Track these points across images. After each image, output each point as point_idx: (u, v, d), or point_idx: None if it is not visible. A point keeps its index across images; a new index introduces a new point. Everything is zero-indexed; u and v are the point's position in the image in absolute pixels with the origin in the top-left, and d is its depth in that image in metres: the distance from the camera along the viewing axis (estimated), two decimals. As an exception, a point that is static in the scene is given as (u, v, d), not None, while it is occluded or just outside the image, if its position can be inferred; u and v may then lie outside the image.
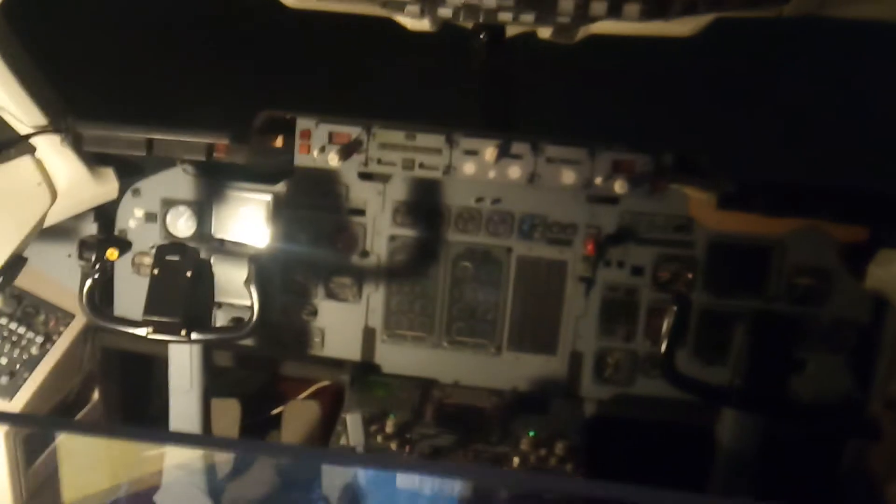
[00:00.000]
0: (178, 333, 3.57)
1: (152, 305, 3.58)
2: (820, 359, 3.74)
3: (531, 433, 3.67)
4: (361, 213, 4.08)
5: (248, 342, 4.00)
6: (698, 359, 3.86)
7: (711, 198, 3.52)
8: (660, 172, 3.54)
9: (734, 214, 3.61)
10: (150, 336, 3.57)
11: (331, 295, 4.16)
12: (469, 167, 3.64)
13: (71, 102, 3.64)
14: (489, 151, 3.57)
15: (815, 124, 4.85)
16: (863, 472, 3.84)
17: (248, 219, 4.09)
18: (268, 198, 4.05)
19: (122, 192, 4.06)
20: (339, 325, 4.18)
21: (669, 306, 3.35)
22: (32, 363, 4.06)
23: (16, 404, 3.99)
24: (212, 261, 3.85)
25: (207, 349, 3.83)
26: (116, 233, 4.18)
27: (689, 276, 3.89)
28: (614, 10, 2.75)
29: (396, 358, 4.17)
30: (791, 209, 3.51)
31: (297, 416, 5.06)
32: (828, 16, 2.56)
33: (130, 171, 4.11)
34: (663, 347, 3.33)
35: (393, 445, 3.61)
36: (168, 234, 4.15)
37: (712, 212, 3.65)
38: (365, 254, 4.10)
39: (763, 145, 4.67)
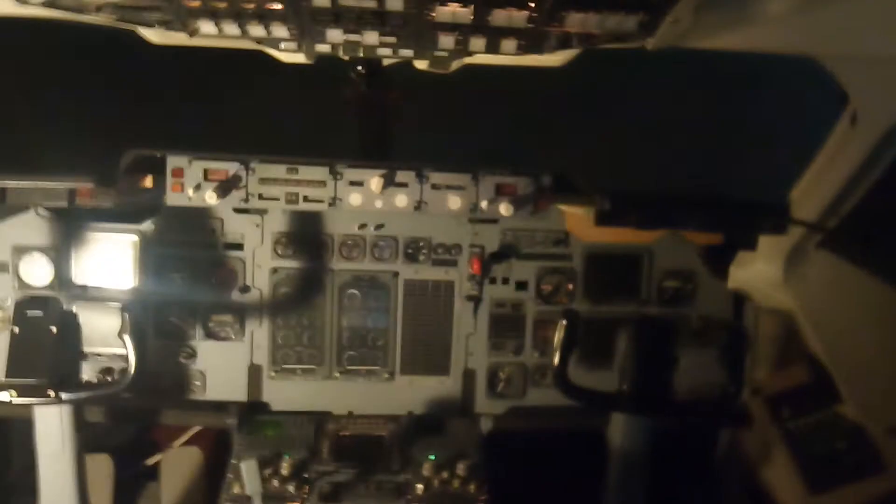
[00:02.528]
0: (46, 395, 3.35)
1: (15, 367, 3.36)
2: (692, 355, 4.01)
3: (432, 457, 3.70)
4: (239, 247, 3.95)
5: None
6: (583, 365, 4.02)
7: (589, 214, 3.70)
8: (541, 193, 3.69)
9: (606, 227, 3.81)
10: (14, 401, 3.32)
11: (210, 335, 4.00)
12: (355, 198, 3.63)
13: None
14: (375, 182, 3.57)
15: (676, 141, 5.20)
16: (739, 458, 4.18)
17: (113, 261, 3.87)
18: (134, 237, 3.86)
19: None
20: (222, 365, 4.02)
21: (558, 319, 3.48)
22: None
23: None
24: (76, 310, 3.61)
25: (78, 407, 3.58)
26: None
27: (570, 286, 4.06)
28: (492, 46, 2.84)
29: (286, 394, 4.06)
30: (659, 222, 3.76)
31: (177, 465, 4.82)
32: (688, 47, 2.76)
33: (-25, 218, 3.78)
34: (556, 360, 3.46)
35: (291, 488, 3.52)
36: (22, 283, 3.82)
37: (587, 226, 3.85)
38: (245, 289, 3.97)
39: (630, 162, 4.94)
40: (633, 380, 3.51)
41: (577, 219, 3.96)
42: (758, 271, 3.96)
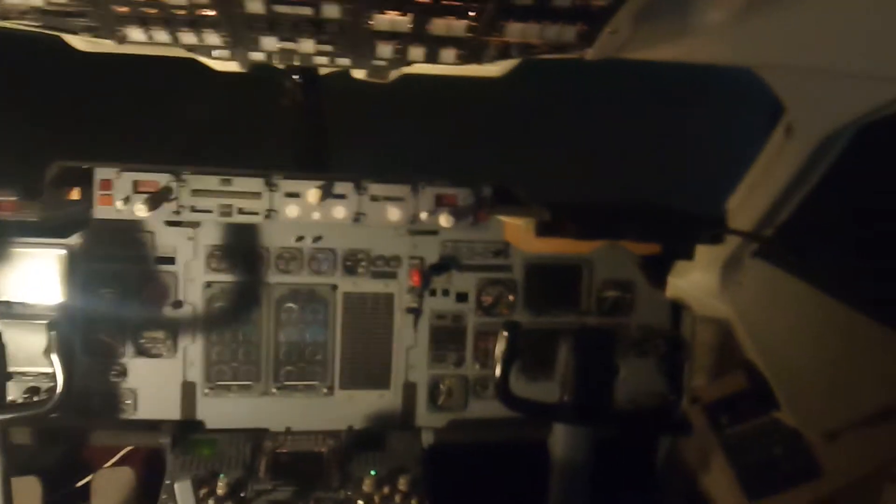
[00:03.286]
0: None
1: None
2: (632, 364, 4.04)
3: (372, 472, 3.65)
4: (171, 260, 3.83)
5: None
6: (524, 376, 4.02)
7: (529, 225, 3.69)
8: (481, 204, 3.67)
9: (546, 238, 3.81)
10: None
11: (142, 352, 3.86)
12: (292, 210, 3.55)
13: None
14: (312, 193, 3.50)
15: (615, 152, 5.25)
16: (678, 466, 4.22)
17: (40, 277, 3.71)
18: (61, 252, 3.70)
19: None
20: (154, 383, 3.88)
21: (499, 331, 3.46)
22: None
23: None
24: (0, 328, 3.44)
25: (3, 428, 3.40)
26: None
27: (511, 298, 4.05)
28: (432, 56, 2.81)
29: (221, 411, 3.94)
30: (598, 233, 3.77)
31: (108, 486, 4.63)
32: (626, 58, 2.78)
33: None
34: (497, 372, 3.43)
35: None
36: None
37: (527, 236, 3.83)
38: (178, 304, 3.85)
39: (569, 173, 4.97)
40: (574, 390, 3.49)
41: (517, 230, 3.95)
42: (695, 280, 4.00)
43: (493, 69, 3.22)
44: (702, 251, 3.94)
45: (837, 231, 4.23)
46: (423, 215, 3.62)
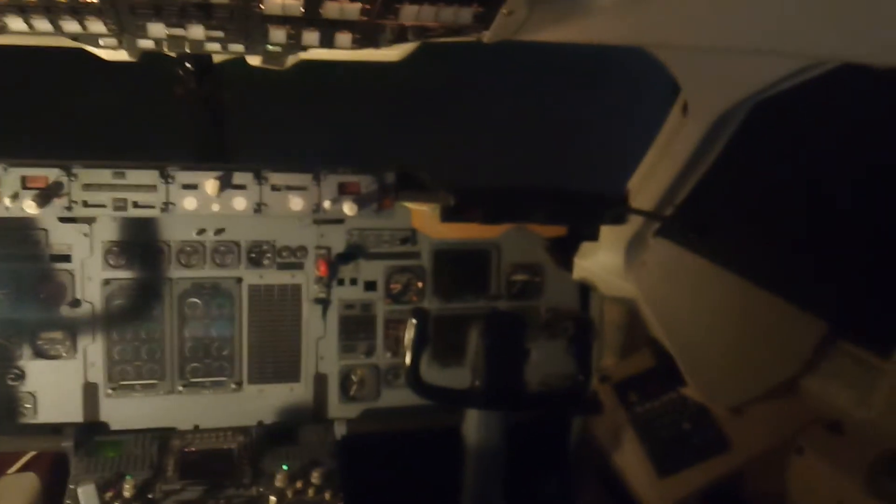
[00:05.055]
0: None
1: None
2: (542, 347, 4.07)
3: (284, 467, 3.59)
4: (66, 258, 3.69)
5: None
6: (437, 363, 4.03)
7: (434, 210, 3.68)
8: (384, 191, 3.63)
9: (453, 223, 3.80)
10: None
11: (39, 353, 3.71)
12: (190, 202, 3.44)
13: None
14: (210, 184, 3.41)
15: (517, 135, 5.27)
16: (591, 444, 4.29)
17: (-76, 278, 3.53)
18: None
19: None
20: (53, 385, 3.74)
21: (409, 318, 3.44)
22: None
23: None
24: None
25: None
26: None
27: (420, 284, 4.04)
28: (326, 40, 2.77)
29: (126, 412, 3.82)
30: (504, 216, 3.79)
31: (12, 493, 4.42)
32: (522, 40, 2.79)
33: None
34: (408, 360, 3.42)
35: None
36: None
37: (433, 222, 3.83)
38: (76, 303, 3.71)
39: (474, 156, 4.97)
40: (485, 375, 3.51)
41: (423, 216, 3.94)
42: (601, 261, 4.07)
43: (391, 53, 3.18)
44: (606, 232, 4.01)
45: (737, 208, 4.34)
46: (327, 204, 3.56)
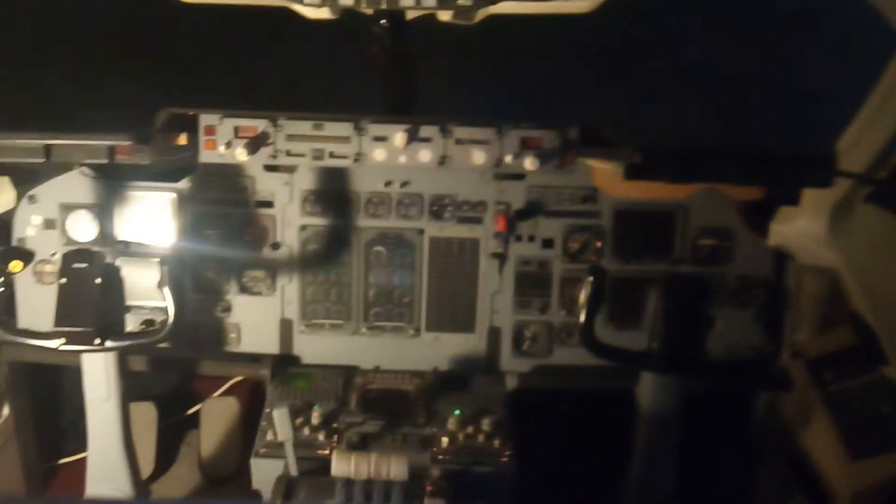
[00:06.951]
0: (92, 343, 3.44)
1: (63, 316, 3.44)
2: (729, 315, 3.88)
3: (457, 412, 3.70)
4: (269, 204, 4.01)
5: (163, 344, 3.89)
6: (612, 324, 3.95)
7: (618, 168, 3.59)
8: (567, 147, 3.58)
9: (637, 182, 3.68)
10: (62, 348, 3.44)
11: (244, 289, 4.08)
12: (379, 153, 3.60)
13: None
14: (398, 137, 3.54)
15: (709, 91, 4.99)
16: (776, 422, 4.04)
17: (152, 218, 3.98)
18: (171, 195, 3.95)
19: (18, 199, 3.89)
20: (255, 319, 4.11)
21: (585, 277, 3.41)
22: (-63, 383, 3.87)
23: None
24: (118, 264, 3.72)
25: (122, 355, 3.68)
26: (14, 242, 3.98)
27: (598, 244, 3.97)
28: (518, -9, 2.77)
29: (316, 348, 4.13)
30: (694, 175, 3.60)
31: (216, 414, 5.01)
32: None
33: (25, 178, 3.94)
34: (582, 318, 3.39)
35: (321, 436, 3.60)
36: (69, 240, 3.96)
37: (616, 181, 3.73)
38: (276, 245, 4.03)
39: (661, 113, 4.76)
40: (664, 338, 3.40)
41: (605, 174, 3.84)
42: (801, 227, 3.78)
43: (582, 4, 3.11)
44: (809, 195, 3.72)
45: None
46: (508, 158, 3.58)
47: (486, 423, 3.65)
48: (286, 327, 4.12)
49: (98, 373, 3.63)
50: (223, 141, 3.64)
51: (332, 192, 3.99)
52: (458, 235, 4.00)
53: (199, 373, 4.50)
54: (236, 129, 3.64)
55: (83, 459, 3.76)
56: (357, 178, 3.97)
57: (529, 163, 3.55)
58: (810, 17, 4.76)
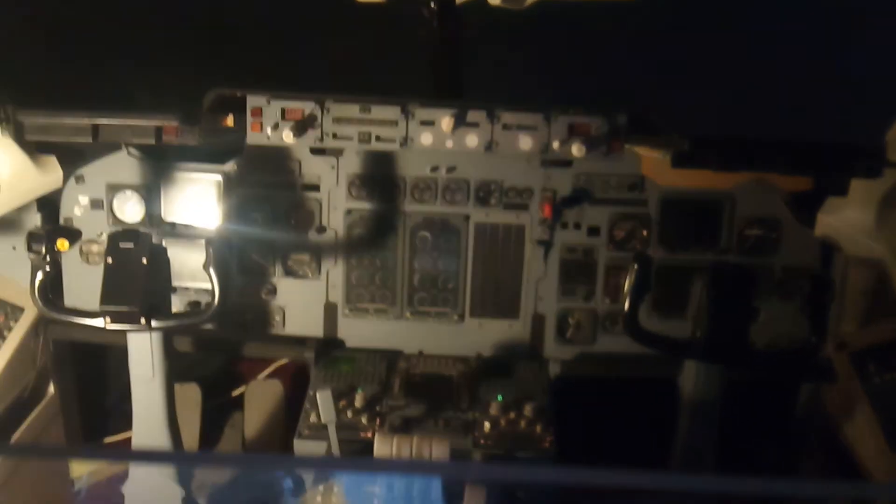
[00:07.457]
0: (138, 322, 3.49)
1: (109, 295, 3.48)
2: (774, 306, 3.86)
3: (499, 397, 3.73)
4: (315, 188, 4.03)
5: (208, 325, 3.93)
6: (657, 313, 3.94)
7: (665, 156, 3.57)
8: (615, 133, 3.58)
9: (684, 171, 3.67)
10: (108, 326, 3.49)
11: (289, 272, 4.12)
12: (426, 138, 3.62)
13: (8, 90, 3.49)
14: (446, 121, 3.55)
15: (756, 80, 4.93)
16: (819, 413, 4.02)
17: (199, 200, 3.99)
18: (218, 177, 3.96)
19: (65, 179, 3.93)
20: (300, 302, 4.15)
21: (630, 265, 3.40)
22: (-16, 361, 3.93)
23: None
24: (164, 245, 3.77)
25: (168, 336, 3.74)
26: (62, 221, 4.05)
27: (644, 233, 3.96)
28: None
29: (360, 331, 4.16)
30: (742, 164, 3.58)
31: (260, 396, 5.07)
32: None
33: (72, 158, 3.97)
34: (626, 305, 3.39)
35: (363, 419, 3.63)
36: (116, 219, 4.03)
37: (664, 169, 3.71)
38: (322, 229, 4.06)
39: (708, 102, 4.72)
40: (709, 328, 3.40)
41: (653, 162, 3.82)
42: (848, 218, 3.73)
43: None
44: (857, 186, 3.66)
45: None
46: (555, 144, 3.58)
47: (528, 410, 3.67)
48: (331, 311, 4.15)
49: (143, 353, 3.68)
50: (270, 123, 3.67)
51: (378, 177, 4.00)
52: (503, 222, 4.01)
53: (243, 355, 4.55)
54: (283, 111, 3.67)
55: (128, 439, 3.82)
56: (403, 163, 3.98)
57: (577, 149, 3.55)
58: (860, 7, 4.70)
